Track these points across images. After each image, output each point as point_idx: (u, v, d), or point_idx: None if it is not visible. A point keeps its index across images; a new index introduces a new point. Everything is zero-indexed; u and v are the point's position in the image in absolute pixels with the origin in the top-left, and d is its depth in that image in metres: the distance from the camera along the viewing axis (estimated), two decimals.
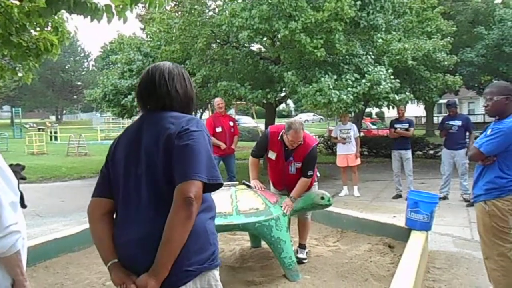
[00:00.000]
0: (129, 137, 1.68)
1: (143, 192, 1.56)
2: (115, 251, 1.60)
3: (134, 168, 1.60)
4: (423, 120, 29.55)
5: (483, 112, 23.18)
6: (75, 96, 48.45)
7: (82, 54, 49.31)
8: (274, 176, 4.15)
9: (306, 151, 3.81)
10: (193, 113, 1.93)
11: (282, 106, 32.59)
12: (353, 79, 8.29)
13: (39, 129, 30.23)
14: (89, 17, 2.88)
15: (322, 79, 7.98)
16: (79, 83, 47.01)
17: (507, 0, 17.62)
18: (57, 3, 2.73)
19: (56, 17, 3.83)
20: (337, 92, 7.83)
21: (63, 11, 3.22)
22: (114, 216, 1.68)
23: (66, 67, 46.11)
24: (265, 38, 9.76)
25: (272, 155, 3.96)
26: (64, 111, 55.13)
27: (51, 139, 25.84)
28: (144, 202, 1.55)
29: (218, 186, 1.56)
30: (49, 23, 3.91)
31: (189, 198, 1.43)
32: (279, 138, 3.87)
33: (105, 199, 1.66)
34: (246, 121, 27.73)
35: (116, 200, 1.65)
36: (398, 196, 7.67)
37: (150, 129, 1.62)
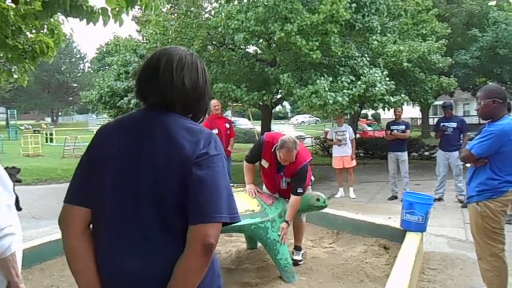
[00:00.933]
0: (125, 140, 1.31)
1: (146, 218, 1.26)
2: (101, 286, 1.30)
3: (131, 184, 1.27)
4: (419, 122, 29.68)
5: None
6: (70, 98, 48.33)
7: (78, 56, 49.21)
8: (267, 183, 4.14)
9: (296, 168, 3.74)
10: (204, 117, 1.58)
11: (278, 108, 32.65)
12: (349, 81, 8.34)
13: (34, 131, 30.11)
14: (85, 20, 2.90)
15: (318, 81, 8.02)
16: (74, 85, 46.91)
17: (501, 2, 17.78)
18: (53, 6, 2.74)
19: (52, 20, 3.84)
20: (332, 94, 7.88)
21: (59, 13, 3.23)
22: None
23: (62, 69, 45.99)
24: (261, 40, 9.81)
25: (265, 163, 3.93)
26: (60, 113, 54.96)
27: (46, 141, 25.72)
28: (148, 232, 1.26)
29: (236, 222, 1.32)
30: (45, 26, 3.92)
31: (210, 245, 1.20)
32: (272, 150, 3.80)
33: (86, 210, 1.31)
34: (243, 123, 27.72)
35: (96, 217, 1.31)
36: (394, 198, 7.70)
37: (156, 139, 1.29)
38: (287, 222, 3.75)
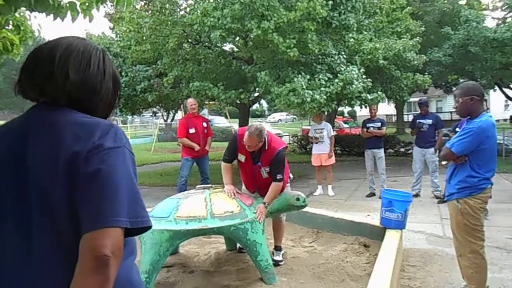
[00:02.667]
0: (8, 145, 1.10)
1: (34, 236, 1.02)
2: None
3: (13, 198, 1.05)
4: (394, 119, 30.18)
5: (451, 110, 23.91)
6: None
7: None
8: (245, 179, 4.12)
9: (271, 155, 3.76)
10: (111, 116, 1.30)
11: (255, 106, 32.62)
12: (326, 78, 8.34)
13: None
14: (51, 15, 2.74)
15: (295, 79, 7.99)
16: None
17: (471, 1, 18.21)
18: (16, 0, 2.57)
19: (17, 15, 3.64)
20: (310, 92, 7.85)
21: (23, 8, 3.05)
22: None
23: None
24: (237, 38, 9.72)
25: (241, 157, 3.92)
26: None
27: None
28: (36, 251, 1.02)
29: (146, 229, 1.06)
30: (10, 22, 3.71)
31: (103, 257, 0.93)
32: None
33: None
34: (220, 121, 27.57)
35: None
36: (372, 195, 7.75)
37: (41, 139, 1.06)
38: (264, 203, 3.73)
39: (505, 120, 27.25)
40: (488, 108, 3.35)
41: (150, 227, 1.07)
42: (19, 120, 1.17)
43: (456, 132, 4.90)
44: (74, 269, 0.96)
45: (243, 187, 4.19)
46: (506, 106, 30.29)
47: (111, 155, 1.03)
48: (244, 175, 4.09)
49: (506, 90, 19.74)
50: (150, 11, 9.89)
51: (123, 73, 10.64)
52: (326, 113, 11.44)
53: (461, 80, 16.98)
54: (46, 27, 43.61)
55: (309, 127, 22.30)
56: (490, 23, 21.14)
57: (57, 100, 1.12)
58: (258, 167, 3.86)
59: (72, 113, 1.11)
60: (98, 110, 1.19)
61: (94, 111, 1.17)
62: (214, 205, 3.52)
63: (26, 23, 3.85)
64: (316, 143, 8.05)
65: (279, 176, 3.78)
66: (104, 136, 1.05)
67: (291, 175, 4.32)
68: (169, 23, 9.10)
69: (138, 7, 9.94)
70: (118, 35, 11.38)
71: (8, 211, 1.05)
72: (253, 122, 3.85)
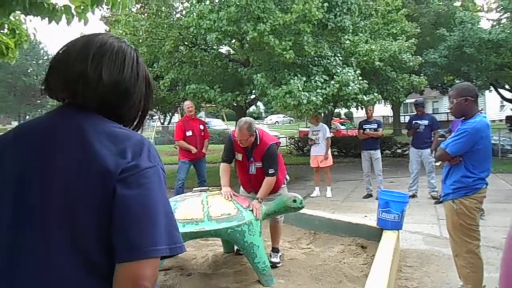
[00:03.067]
0: (29, 153, 1.00)
1: (59, 257, 0.93)
2: None
3: (37, 213, 0.95)
4: (390, 120, 30.26)
5: (447, 111, 23.98)
6: (38, 101, 46.70)
7: (45, 57, 47.64)
8: (241, 177, 4.16)
9: (263, 150, 3.83)
10: (143, 122, 1.18)
11: (252, 108, 32.64)
12: (322, 80, 8.37)
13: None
14: (46, 18, 2.74)
15: (292, 81, 8.01)
16: (42, 87, 45.49)
17: (466, 3, 18.31)
18: (11, 3, 2.56)
19: (12, 19, 3.63)
20: (306, 93, 7.88)
21: (18, 12, 3.05)
22: None
23: (29, 71, 44.45)
24: (233, 40, 9.73)
25: (238, 156, 4.00)
26: (28, 117, 53.20)
27: None
28: (61, 275, 0.93)
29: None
30: (5, 25, 3.71)
31: None
32: None
33: None
34: (216, 124, 27.57)
35: None
36: (369, 196, 7.76)
37: (68, 149, 0.98)
38: (258, 199, 3.76)
39: (500, 120, 27.35)
40: (482, 109, 3.37)
41: (183, 252, 1.01)
42: (45, 121, 1.07)
43: (451, 133, 4.93)
44: (91, 283, 0.94)
45: (241, 189, 4.21)
46: (502, 106, 30.42)
47: (148, 177, 0.97)
48: (240, 173, 4.13)
49: (502, 91, 19.84)
50: (146, 14, 9.92)
51: None
52: (322, 114, 11.47)
53: (457, 81, 17.04)
54: (42, 31, 43.50)
55: (306, 129, 22.39)
56: (485, 24, 21.27)
57: (87, 103, 1.04)
58: (251, 162, 3.93)
59: (104, 122, 1.03)
60: (129, 117, 1.12)
61: (124, 117, 1.11)
62: (211, 207, 3.52)
63: (21, 27, 3.85)
64: (312, 144, 8.06)
65: (271, 171, 3.80)
66: (139, 155, 0.98)
67: (287, 177, 4.33)
68: (165, 25, 9.10)
69: (134, 10, 9.95)
70: None
71: (26, 230, 0.95)
72: (243, 117, 3.92)
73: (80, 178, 0.94)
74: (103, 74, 1.03)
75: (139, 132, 1.12)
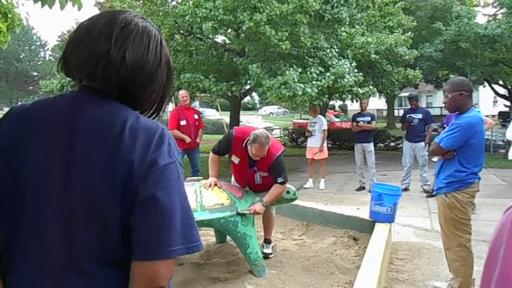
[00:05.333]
0: (47, 141, 0.95)
1: (79, 245, 0.93)
2: None
3: (57, 202, 0.93)
4: (385, 113, 30.34)
5: (441, 105, 24.09)
6: (30, 87, 46.27)
7: (38, 43, 47.11)
8: (238, 178, 4.02)
9: (270, 161, 3.66)
10: (161, 109, 1.11)
11: (247, 99, 32.55)
12: (318, 72, 8.34)
13: None
14: (39, 2, 2.69)
15: (287, 72, 7.97)
16: (35, 74, 44.92)
17: None
18: None
19: (4, 2, 3.56)
20: (301, 85, 7.85)
21: None
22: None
23: (21, 57, 43.91)
24: (229, 30, 9.66)
25: (235, 159, 3.82)
26: (19, 103, 52.60)
27: None
28: (81, 264, 0.93)
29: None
30: None
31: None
32: (243, 145, 3.68)
33: None
34: (211, 114, 27.47)
35: (9, 245, 0.96)
36: (362, 188, 7.80)
37: (91, 140, 0.94)
38: (263, 202, 3.68)
39: (493, 116, 27.50)
40: (476, 104, 3.38)
41: (199, 250, 1.00)
42: (51, 107, 0.99)
43: (444, 127, 4.95)
44: (116, 284, 0.94)
45: (233, 178, 4.17)
46: (495, 102, 30.59)
47: (168, 174, 0.94)
48: (237, 175, 4.01)
49: (495, 86, 19.93)
50: (141, 1, 9.78)
51: None
52: (317, 106, 11.46)
53: (452, 76, 17.09)
54: (34, 15, 42.88)
55: (300, 121, 22.39)
56: (481, 19, 21.24)
57: (107, 87, 0.97)
58: (254, 171, 3.78)
59: (125, 111, 0.98)
60: (148, 103, 1.07)
61: (143, 104, 1.05)
62: (204, 197, 3.51)
63: (14, 11, 3.77)
64: (308, 136, 8.06)
65: (280, 180, 3.70)
66: (159, 149, 0.94)
67: None
68: (160, 13, 9.00)
69: None
70: None
71: (47, 220, 0.93)
72: (255, 131, 3.59)
73: (107, 177, 0.91)
74: (126, 56, 0.96)
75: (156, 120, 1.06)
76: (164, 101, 1.11)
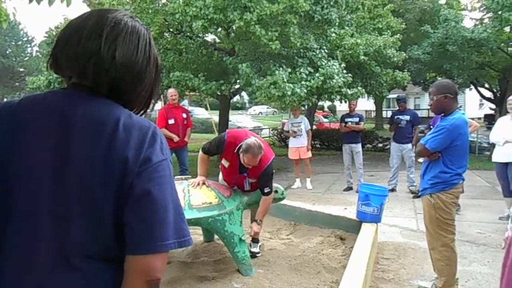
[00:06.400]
0: (39, 138, 0.95)
1: (73, 242, 0.93)
2: None
3: (52, 200, 0.93)
4: (373, 114, 30.57)
5: (428, 107, 24.31)
6: (17, 83, 45.56)
7: (25, 39, 46.39)
8: (227, 180, 3.99)
9: (261, 168, 3.66)
10: (148, 107, 1.13)
11: (236, 98, 32.49)
12: (307, 72, 8.38)
13: None
14: None
15: (277, 72, 7.99)
16: (21, 70, 44.25)
17: (451, 1, 18.51)
18: None
19: None
20: (291, 85, 7.88)
21: None
22: None
23: (7, 52, 43.23)
24: (219, 29, 9.63)
25: (225, 163, 3.81)
26: (5, 99, 51.81)
27: None
28: (74, 260, 0.93)
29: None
30: None
31: (156, 281, 0.94)
32: (235, 151, 3.64)
33: None
34: (200, 113, 27.35)
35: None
36: (349, 189, 7.86)
37: (85, 137, 0.94)
38: (256, 221, 3.74)
39: (479, 118, 27.92)
40: (460, 106, 3.44)
41: (190, 244, 1.04)
42: (42, 104, 0.99)
43: (431, 129, 5.01)
44: (109, 279, 0.95)
45: (220, 176, 4.17)
46: (481, 105, 31.03)
47: (160, 171, 0.97)
48: (226, 177, 3.98)
49: (481, 90, 20.21)
50: None
51: None
52: (306, 107, 11.51)
53: (439, 78, 17.28)
54: (21, 11, 42.27)
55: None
56: (468, 23, 21.53)
57: (97, 86, 0.99)
58: (243, 177, 3.78)
59: (117, 109, 0.99)
60: (137, 102, 1.08)
61: (132, 103, 1.07)
62: (192, 196, 3.51)
63: (1, 5, 3.73)
64: (295, 137, 8.11)
65: (266, 190, 3.72)
66: (152, 146, 0.97)
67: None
68: (150, 11, 8.94)
69: None
70: None
71: (40, 217, 0.93)
72: (247, 140, 3.54)
73: (102, 174, 0.92)
74: (116, 55, 0.98)
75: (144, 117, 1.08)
76: (151, 99, 1.13)
